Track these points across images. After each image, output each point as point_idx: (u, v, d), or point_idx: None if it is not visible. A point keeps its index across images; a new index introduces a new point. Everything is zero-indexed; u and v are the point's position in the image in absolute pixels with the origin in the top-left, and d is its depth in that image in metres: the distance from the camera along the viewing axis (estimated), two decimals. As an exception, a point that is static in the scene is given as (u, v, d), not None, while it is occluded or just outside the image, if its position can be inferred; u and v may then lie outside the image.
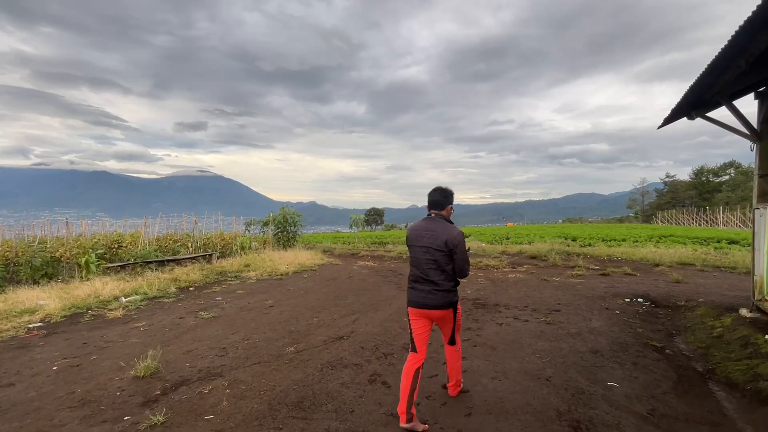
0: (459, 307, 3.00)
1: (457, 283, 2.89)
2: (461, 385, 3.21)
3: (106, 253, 10.13)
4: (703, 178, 49.91)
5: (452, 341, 3.03)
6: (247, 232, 16.89)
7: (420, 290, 2.81)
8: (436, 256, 2.75)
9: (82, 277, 8.43)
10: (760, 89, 4.80)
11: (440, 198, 2.90)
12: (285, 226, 16.08)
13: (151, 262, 9.50)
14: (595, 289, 7.16)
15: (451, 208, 2.97)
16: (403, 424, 2.69)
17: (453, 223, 2.92)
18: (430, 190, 2.96)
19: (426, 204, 2.96)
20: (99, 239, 11.11)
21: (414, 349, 2.82)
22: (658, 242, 14.98)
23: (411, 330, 2.86)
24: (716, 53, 3.54)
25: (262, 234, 16.53)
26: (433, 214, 2.91)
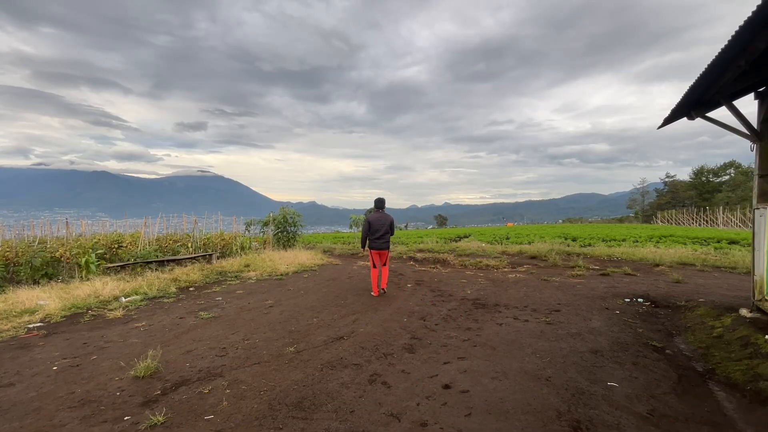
0: (389, 250, 7.20)
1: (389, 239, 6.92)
2: (385, 289, 6.96)
3: (106, 253, 10.13)
4: (703, 178, 49.94)
5: (385, 264, 6.91)
6: (247, 232, 16.87)
7: (379, 242, 6.70)
8: (386, 227, 6.72)
9: (82, 277, 8.43)
10: (760, 89, 4.79)
11: (382, 204, 6.91)
12: (285, 226, 16.06)
13: (151, 262, 9.50)
14: (595, 289, 7.17)
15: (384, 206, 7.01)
16: (376, 294, 6.77)
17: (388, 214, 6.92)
18: (376, 198, 6.98)
19: (374, 205, 7.02)
20: (99, 239, 11.11)
21: (375, 266, 6.87)
22: (658, 242, 14.97)
23: (372, 259, 6.86)
24: (716, 53, 3.53)
25: (262, 234, 16.50)
26: (380, 210, 6.86)
